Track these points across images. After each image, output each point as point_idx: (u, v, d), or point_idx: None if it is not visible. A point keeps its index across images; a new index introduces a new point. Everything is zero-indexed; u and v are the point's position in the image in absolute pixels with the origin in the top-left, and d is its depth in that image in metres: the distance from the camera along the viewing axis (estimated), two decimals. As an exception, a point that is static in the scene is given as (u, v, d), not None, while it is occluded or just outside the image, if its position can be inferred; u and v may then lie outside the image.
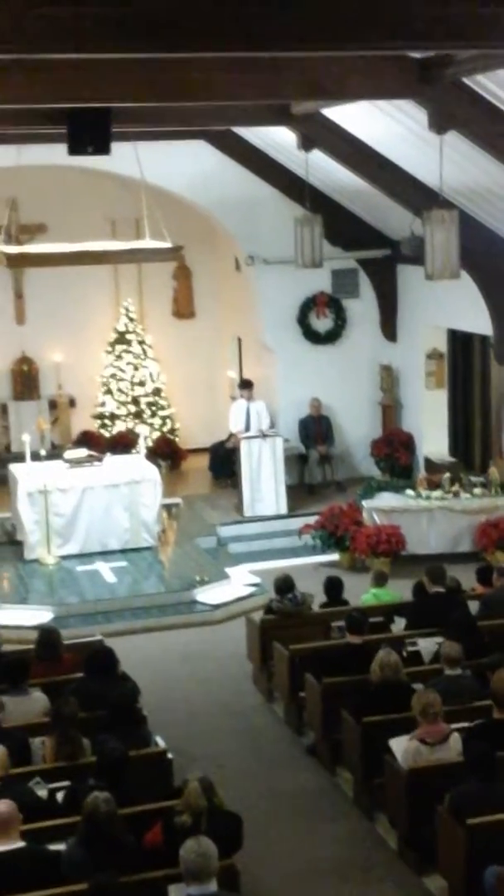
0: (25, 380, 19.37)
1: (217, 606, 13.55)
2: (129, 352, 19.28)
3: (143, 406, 19.22)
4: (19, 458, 16.16)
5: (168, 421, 19.39)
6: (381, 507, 14.97)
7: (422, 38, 7.61)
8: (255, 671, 11.56)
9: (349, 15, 7.19)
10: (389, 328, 18.09)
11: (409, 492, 15.18)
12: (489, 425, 16.49)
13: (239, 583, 14.17)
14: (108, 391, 19.23)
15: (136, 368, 19.25)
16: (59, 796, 7.64)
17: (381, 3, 7.21)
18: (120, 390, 19.20)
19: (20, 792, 7.36)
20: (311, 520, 15.37)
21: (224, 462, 17.82)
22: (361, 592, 11.87)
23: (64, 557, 14.88)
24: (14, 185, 16.23)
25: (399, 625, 10.96)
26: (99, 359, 19.36)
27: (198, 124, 14.40)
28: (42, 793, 7.70)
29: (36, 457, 15.40)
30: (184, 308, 20.19)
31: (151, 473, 15.47)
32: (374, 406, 18.34)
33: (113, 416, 19.19)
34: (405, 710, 8.47)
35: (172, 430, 19.40)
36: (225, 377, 19.88)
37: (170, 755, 8.57)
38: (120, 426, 19.08)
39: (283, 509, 16.39)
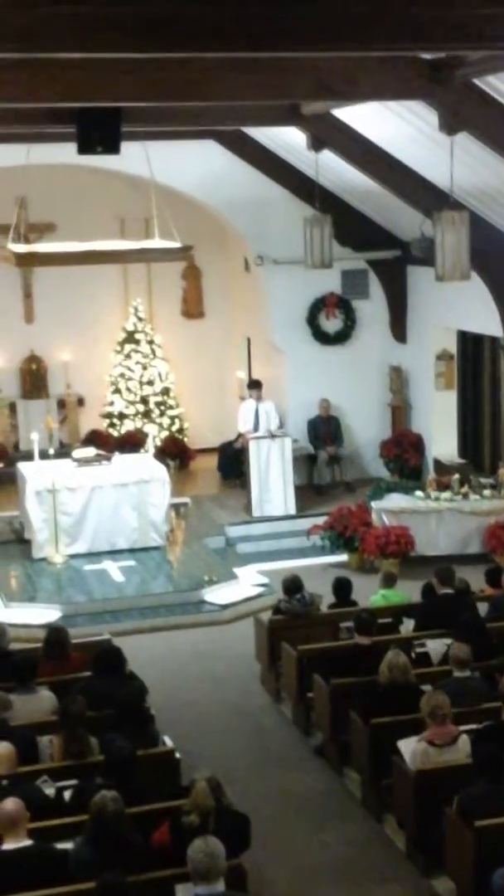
0: (34, 379, 19.39)
1: (225, 606, 13.54)
2: (138, 351, 19.28)
3: (151, 405, 19.22)
4: (28, 456, 16.17)
5: (177, 420, 19.39)
6: (390, 508, 14.95)
7: (430, 39, 7.62)
8: (263, 671, 11.55)
9: (357, 16, 7.20)
10: (399, 329, 18.07)
11: (419, 493, 15.16)
12: (499, 427, 16.47)
13: (247, 583, 14.17)
14: (117, 390, 19.24)
15: (144, 368, 19.25)
16: (67, 795, 7.64)
17: (390, 4, 7.21)
18: (129, 389, 19.20)
19: (28, 790, 7.35)
20: (320, 520, 15.36)
21: (233, 462, 17.82)
22: (370, 593, 11.85)
23: (72, 556, 14.89)
24: (23, 184, 16.21)
25: (408, 626, 10.93)
26: (108, 358, 19.36)
27: (207, 124, 14.39)
28: (49, 791, 7.70)
29: (44, 455, 15.41)
30: (193, 308, 20.20)
31: (160, 473, 15.46)
32: (384, 407, 18.32)
33: (121, 416, 19.20)
34: (413, 712, 8.45)
35: (181, 430, 19.40)
36: (234, 377, 19.87)
37: (177, 754, 8.56)
38: (128, 425, 19.09)
39: (292, 510, 16.38)
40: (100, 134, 12.24)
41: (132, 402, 19.19)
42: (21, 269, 18.27)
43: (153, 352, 19.35)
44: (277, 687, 11.24)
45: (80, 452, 16.08)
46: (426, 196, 13.70)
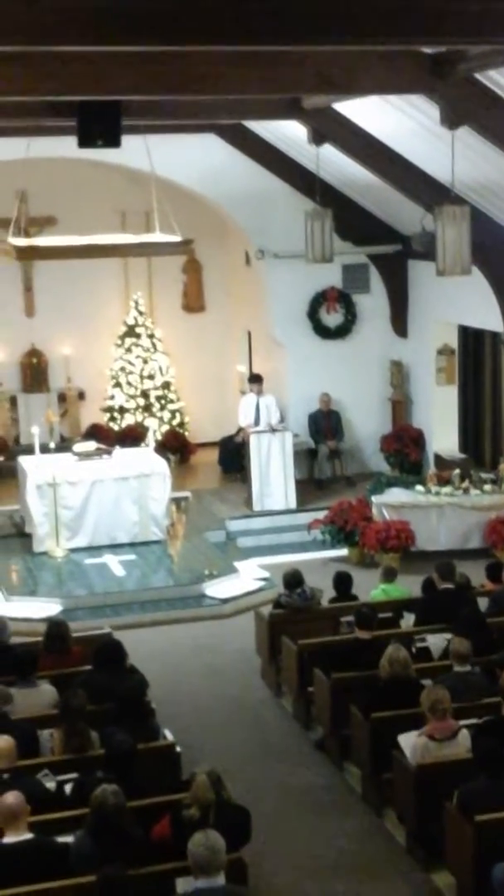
0: (35, 372, 19.38)
1: (226, 600, 13.55)
2: (139, 345, 19.27)
3: (152, 399, 19.21)
4: (28, 450, 16.16)
5: (177, 414, 19.38)
6: (390, 502, 14.95)
7: (432, 33, 7.62)
8: (264, 666, 11.56)
9: (358, 10, 7.18)
10: (400, 324, 18.06)
11: (419, 487, 15.16)
12: (500, 421, 16.47)
13: (248, 577, 14.17)
14: (118, 384, 19.23)
15: (145, 362, 19.24)
16: (68, 788, 7.65)
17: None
18: (129, 383, 19.19)
19: (28, 784, 7.36)
20: (321, 515, 15.37)
21: (233, 456, 17.82)
22: (370, 588, 11.84)
23: (73, 550, 14.89)
24: (24, 178, 16.19)
25: (408, 620, 10.94)
26: (108, 352, 19.35)
27: (208, 118, 14.37)
28: (50, 785, 7.71)
29: (45, 449, 15.40)
30: (193, 302, 20.18)
31: (160, 467, 15.47)
32: (384, 401, 18.32)
33: (122, 410, 19.18)
34: (414, 706, 8.47)
35: (182, 424, 19.39)
36: (234, 371, 19.86)
37: (178, 748, 8.57)
38: (129, 419, 19.08)
39: (293, 504, 16.38)
40: (100, 127, 12.23)
41: (133, 396, 19.18)
42: (21, 263, 18.27)
43: (154, 346, 19.34)
44: (278, 681, 11.24)
45: (80, 446, 16.08)
46: (427, 190, 13.68)
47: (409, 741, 8.25)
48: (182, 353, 19.75)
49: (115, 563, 14.51)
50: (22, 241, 15.27)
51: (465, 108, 10.86)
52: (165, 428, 18.98)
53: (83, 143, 12.39)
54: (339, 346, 18.10)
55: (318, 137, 13.76)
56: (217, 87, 10.85)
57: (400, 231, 17.38)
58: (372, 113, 12.76)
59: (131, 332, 19.30)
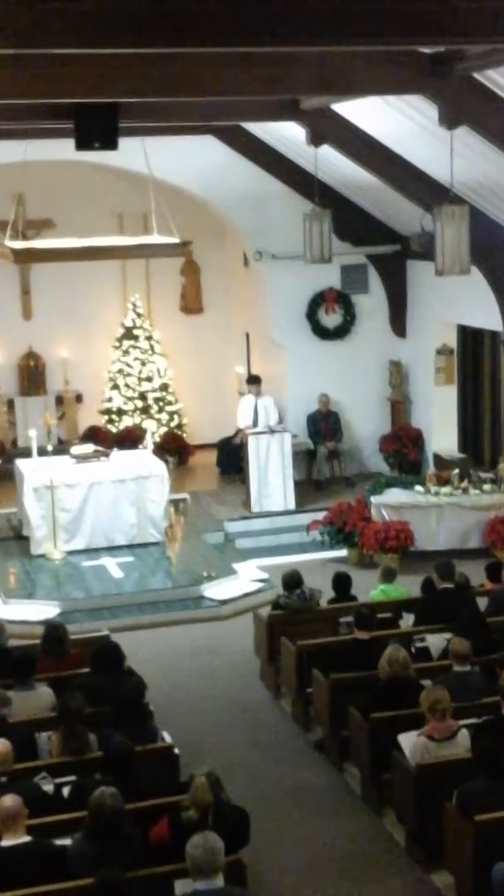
0: (32, 375, 19.37)
1: (224, 602, 13.53)
2: (137, 347, 19.25)
3: (150, 401, 19.20)
4: (26, 453, 16.11)
5: (175, 416, 19.37)
6: (389, 503, 14.94)
7: (430, 33, 7.61)
8: (263, 667, 11.54)
9: (356, 10, 7.17)
10: (399, 324, 18.06)
11: (418, 488, 15.15)
12: (499, 421, 16.45)
13: (246, 578, 14.15)
14: (115, 386, 19.22)
15: (143, 364, 19.23)
16: (66, 791, 7.63)
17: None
18: (127, 386, 19.18)
19: (26, 786, 7.34)
20: (320, 515, 15.36)
21: (232, 457, 17.81)
22: (370, 588, 11.83)
23: (70, 553, 14.87)
24: (21, 181, 16.17)
25: (407, 621, 10.93)
26: (106, 354, 19.34)
27: (206, 119, 14.36)
28: (48, 787, 7.69)
29: (42, 452, 15.37)
30: (192, 303, 20.17)
31: (158, 469, 15.45)
32: (383, 402, 18.30)
33: (120, 412, 19.17)
34: (413, 707, 8.45)
35: (180, 426, 19.38)
36: (233, 373, 19.85)
37: (176, 750, 8.55)
38: (127, 422, 19.07)
39: (291, 505, 16.37)
40: (97, 130, 12.23)
41: (131, 399, 19.17)
42: (19, 266, 18.26)
43: (152, 348, 19.33)
44: (277, 682, 11.23)
45: (78, 449, 16.08)
46: (426, 190, 13.68)
47: (408, 741, 8.24)
48: (180, 354, 19.74)
49: (112, 566, 14.48)
50: (19, 244, 15.26)
51: (464, 108, 10.85)
52: (163, 430, 18.96)
53: (80, 146, 12.38)
54: (338, 347, 18.09)
55: (316, 138, 13.75)
56: (215, 88, 10.84)
57: (399, 231, 17.37)
58: (370, 113, 12.76)
59: (129, 334, 19.29)
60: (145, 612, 13.33)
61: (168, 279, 19.81)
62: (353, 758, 9.39)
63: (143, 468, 15.41)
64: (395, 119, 12.48)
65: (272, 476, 16.31)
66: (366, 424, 18.25)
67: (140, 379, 19.18)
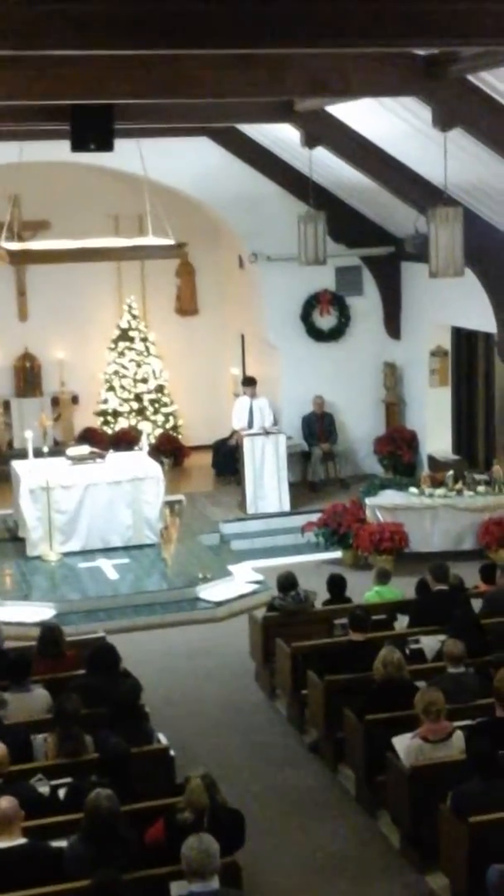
0: (28, 376, 19.37)
1: (220, 604, 13.54)
2: (132, 349, 19.26)
3: (145, 403, 19.21)
4: (22, 454, 16.13)
5: (171, 418, 19.38)
6: (384, 504, 14.95)
7: (424, 35, 7.62)
8: (258, 668, 11.55)
9: (350, 12, 7.18)
10: (393, 326, 18.07)
11: (413, 489, 15.16)
12: (493, 423, 16.49)
13: (242, 580, 14.16)
14: (111, 388, 19.22)
15: (138, 365, 19.23)
16: (61, 793, 7.63)
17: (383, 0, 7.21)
18: (122, 387, 19.19)
19: (22, 788, 7.35)
20: (314, 517, 15.37)
21: (227, 459, 17.82)
22: (364, 590, 11.85)
23: (66, 554, 14.87)
24: (17, 182, 16.18)
25: (402, 622, 10.94)
26: (102, 356, 19.34)
27: (201, 121, 14.35)
28: (44, 789, 7.69)
29: (38, 454, 15.39)
30: (187, 305, 20.17)
31: (154, 470, 15.46)
32: (378, 403, 18.32)
33: (115, 413, 19.18)
34: (408, 708, 8.46)
35: (175, 427, 19.39)
36: (228, 374, 19.86)
37: (172, 752, 8.56)
38: (122, 423, 19.07)
39: (286, 506, 16.37)
40: (93, 131, 12.22)
41: (126, 400, 19.17)
42: (15, 267, 18.26)
43: (147, 349, 19.34)
44: (272, 684, 11.23)
45: (74, 450, 16.07)
46: (420, 192, 13.68)
47: (403, 743, 8.25)
48: (175, 356, 19.75)
49: (108, 567, 14.49)
50: (15, 246, 15.28)
51: (458, 110, 10.87)
52: (159, 431, 18.98)
53: (76, 147, 12.38)
54: (333, 349, 18.11)
55: (310, 140, 13.76)
56: (210, 90, 10.83)
57: (393, 233, 17.39)
58: (364, 115, 12.77)
59: (125, 335, 19.29)
60: (141, 613, 13.34)
61: (163, 281, 19.81)
62: (347, 759, 9.40)
63: (139, 470, 15.42)
64: (389, 121, 12.50)
65: (267, 478, 16.32)
66: (360, 426, 18.27)
67: (135, 380, 19.19)
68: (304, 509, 16.24)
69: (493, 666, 9.27)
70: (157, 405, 19.28)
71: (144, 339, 19.36)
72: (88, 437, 18.34)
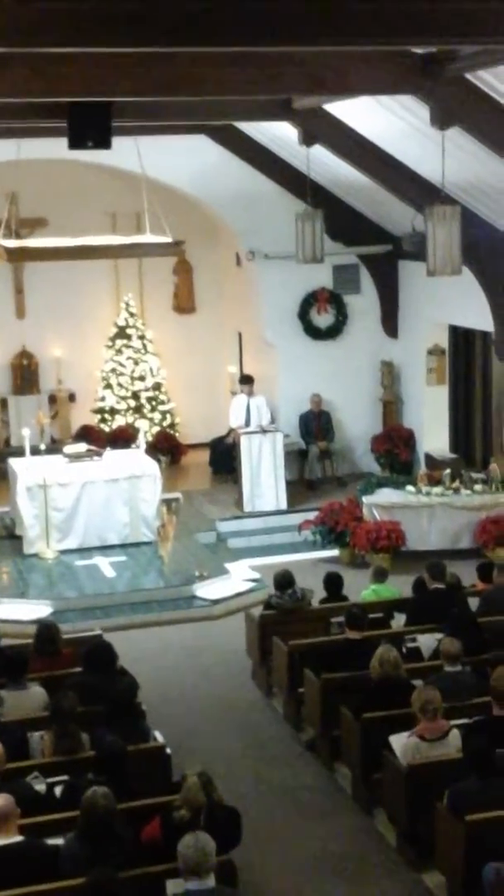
0: (25, 374, 19.35)
1: (216, 602, 13.53)
2: (130, 346, 19.25)
3: (143, 401, 19.20)
4: (19, 452, 16.12)
5: (168, 416, 19.38)
6: (381, 503, 14.95)
7: (422, 33, 7.60)
8: (255, 667, 11.55)
9: (348, 10, 7.17)
10: (390, 324, 18.08)
11: (410, 488, 15.16)
12: (490, 421, 16.49)
13: (238, 578, 14.16)
14: (108, 386, 19.21)
15: (136, 363, 19.23)
16: (58, 791, 7.63)
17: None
18: (120, 385, 19.18)
19: (18, 786, 7.35)
20: (311, 515, 15.37)
21: (224, 457, 17.81)
22: (361, 588, 11.85)
23: (63, 552, 14.86)
24: (14, 179, 16.17)
25: (399, 621, 10.94)
26: (99, 353, 19.33)
27: (198, 119, 14.36)
28: (40, 787, 7.69)
29: (35, 451, 15.37)
30: (184, 303, 20.16)
31: (151, 468, 15.45)
32: (375, 402, 18.32)
33: (113, 411, 19.17)
34: (404, 707, 8.46)
35: (172, 425, 19.39)
36: (225, 372, 19.86)
37: (168, 750, 8.56)
38: (120, 421, 19.07)
39: (283, 505, 16.37)
40: (91, 129, 12.22)
41: (123, 398, 19.17)
42: (12, 265, 18.24)
43: (144, 347, 19.33)
44: (268, 682, 11.24)
45: (71, 448, 16.07)
46: (417, 191, 13.69)
47: (399, 741, 8.25)
48: (173, 354, 19.74)
49: (105, 565, 14.49)
50: (12, 243, 15.25)
51: (455, 109, 10.87)
52: (156, 429, 18.98)
53: (74, 145, 12.37)
54: (330, 347, 18.11)
55: (308, 138, 13.77)
56: (207, 88, 10.83)
57: (390, 231, 17.39)
58: (362, 113, 12.77)
59: (122, 333, 19.28)
60: (137, 611, 13.33)
61: (161, 278, 19.80)
62: (344, 758, 9.40)
63: (136, 467, 15.42)
64: (387, 119, 12.50)
65: (264, 476, 16.31)
66: (357, 424, 18.27)
67: (133, 378, 19.18)
68: (300, 507, 16.24)
69: (490, 664, 9.28)
70: (154, 403, 19.27)
71: (142, 337, 19.35)
72: (85, 434, 18.34)
